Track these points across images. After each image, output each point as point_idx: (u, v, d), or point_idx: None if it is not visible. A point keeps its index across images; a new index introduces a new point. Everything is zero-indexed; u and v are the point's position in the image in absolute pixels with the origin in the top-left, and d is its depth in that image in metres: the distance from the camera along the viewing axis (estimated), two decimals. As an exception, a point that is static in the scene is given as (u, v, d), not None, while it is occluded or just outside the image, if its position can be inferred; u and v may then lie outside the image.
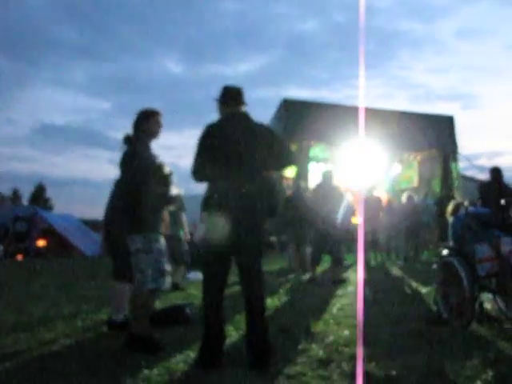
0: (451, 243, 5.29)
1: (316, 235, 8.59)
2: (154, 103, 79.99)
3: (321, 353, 3.85)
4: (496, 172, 8.69)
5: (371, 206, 11.34)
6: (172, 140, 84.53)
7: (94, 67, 77.26)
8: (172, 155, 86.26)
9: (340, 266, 8.59)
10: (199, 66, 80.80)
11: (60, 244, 18.35)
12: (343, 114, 16.39)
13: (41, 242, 18.68)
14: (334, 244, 8.34)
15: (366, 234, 11.42)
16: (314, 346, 4.08)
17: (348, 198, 9.02)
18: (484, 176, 10.45)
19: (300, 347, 4.05)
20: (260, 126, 3.84)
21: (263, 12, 72.96)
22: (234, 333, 4.53)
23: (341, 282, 8.13)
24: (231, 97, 3.90)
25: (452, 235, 5.23)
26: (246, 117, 3.87)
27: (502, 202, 6.14)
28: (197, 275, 8.28)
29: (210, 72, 75.36)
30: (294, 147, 15.96)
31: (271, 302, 6.16)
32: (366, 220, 10.80)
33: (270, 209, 3.74)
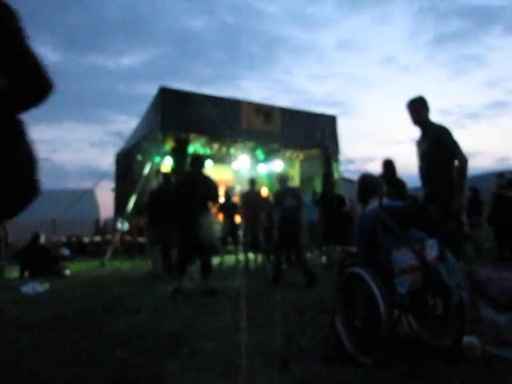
0: (357, 248, 3.78)
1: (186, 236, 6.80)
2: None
3: None
4: (390, 164, 7.51)
5: (252, 201, 9.80)
6: (47, 133, 78.39)
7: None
8: (47, 149, 79.89)
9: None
10: (79, 55, 75.75)
11: None
12: (225, 106, 14.98)
13: None
14: (203, 247, 6.66)
15: (245, 234, 9.91)
16: None
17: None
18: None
19: None
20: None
21: (151, 4, 69.93)
22: None
23: (213, 293, 6.46)
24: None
25: (359, 237, 3.71)
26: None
27: (420, 194, 4.80)
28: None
29: (91, 63, 70.93)
30: (170, 141, 14.22)
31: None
32: (248, 218, 9.24)
33: None
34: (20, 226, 12.72)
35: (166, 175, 9.35)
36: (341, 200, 10.35)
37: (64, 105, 77.70)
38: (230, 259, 11.01)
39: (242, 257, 10.45)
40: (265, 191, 14.38)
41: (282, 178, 7.95)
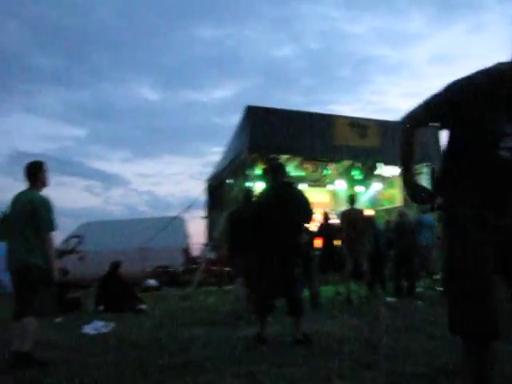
0: None
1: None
2: (130, 130, 77.53)
3: None
4: None
5: (353, 221, 7.90)
6: (150, 167, 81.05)
7: (68, 94, 74.07)
8: (149, 183, 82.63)
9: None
10: (174, 92, 78.28)
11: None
12: (316, 122, 13.30)
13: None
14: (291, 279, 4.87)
15: (346, 260, 8.01)
16: None
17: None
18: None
19: None
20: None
21: (238, 38, 71.22)
22: None
23: (306, 341, 4.63)
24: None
25: None
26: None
27: None
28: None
29: (186, 99, 72.85)
30: (259, 163, 12.69)
31: None
32: (348, 240, 7.37)
33: None
34: (108, 255, 11.76)
35: (246, 193, 7.67)
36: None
37: (164, 140, 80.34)
38: (326, 291, 9.01)
39: (342, 288, 8.51)
40: (369, 211, 12.31)
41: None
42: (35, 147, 69.43)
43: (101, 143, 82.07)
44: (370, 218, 8.68)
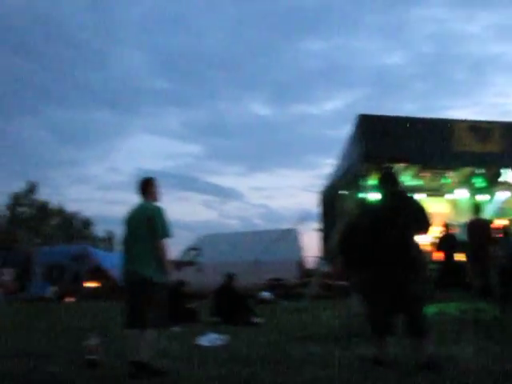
0: None
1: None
2: (243, 146, 79.50)
3: None
4: None
5: (479, 233, 7.17)
6: (264, 181, 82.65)
7: (185, 114, 78.49)
8: (262, 196, 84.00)
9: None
10: (285, 106, 79.28)
11: (111, 285, 15.47)
12: (433, 128, 12.46)
13: (91, 283, 16.05)
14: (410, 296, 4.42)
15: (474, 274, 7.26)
16: None
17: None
18: None
19: None
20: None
21: (346, 49, 70.40)
22: None
23: (432, 366, 4.16)
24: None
25: None
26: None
27: None
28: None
29: (297, 112, 73.44)
30: (373, 173, 12.13)
31: None
32: (475, 253, 6.69)
33: None
34: (223, 267, 11.95)
35: (360, 204, 7.27)
36: None
37: (277, 154, 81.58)
38: (449, 309, 8.23)
39: (468, 306, 7.74)
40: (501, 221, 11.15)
41: None
42: (156, 165, 74.16)
43: (216, 159, 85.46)
44: (502, 228, 7.79)
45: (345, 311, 8.18)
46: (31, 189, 48.99)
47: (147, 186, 4.64)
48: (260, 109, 79.53)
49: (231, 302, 8.78)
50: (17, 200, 47.94)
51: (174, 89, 75.28)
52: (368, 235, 4.74)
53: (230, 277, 9.59)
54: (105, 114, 74.83)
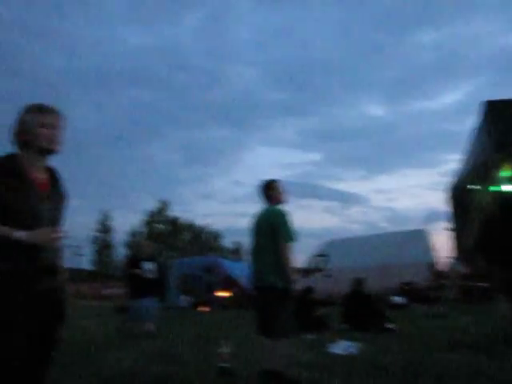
0: None
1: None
2: (362, 149, 77.39)
3: None
4: None
5: None
6: (385, 183, 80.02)
7: (300, 123, 79.06)
8: (386, 198, 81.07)
9: None
10: (401, 104, 76.04)
11: (241, 294, 15.73)
12: None
13: (222, 293, 16.46)
14: None
15: None
16: None
17: None
18: None
19: None
20: None
21: (461, 35, 65.53)
22: None
23: None
24: None
25: None
26: None
27: None
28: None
29: (413, 109, 70.05)
30: (506, 164, 11.04)
31: None
32: None
33: None
34: (351, 272, 11.61)
35: (496, 195, 6.56)
36: None
37: (397, 154, 78.59)
38: None
39: None
40: None
41: None
42: (277, 175, 75.25)
43: (336, 165, 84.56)
44: None
45: (488, 316, 7.45)
46: (164, 206, 52.60)
47: (269, 190, 4.50)
48: (376, 109, 77.33)
49: (362, 307, 8.43)
50: (152, 217, 51.74)
51: (289, 99, 76.20)
52: (509, 230, 4.22)
53: (359, 282, 9.24)
54: (225, 130, 78.00)
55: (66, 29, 72.78)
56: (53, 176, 2.30)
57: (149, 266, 8.13)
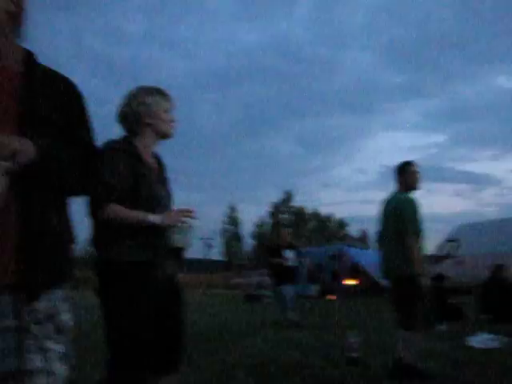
0: None
1: None
2: (493, 126, 70.99)
3: None
4: None
5: None
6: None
7: (423, 104, 74.30)
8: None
9: None
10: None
11: (368, 282, 15.32)
12: None
13: (349, 281, 16.16)
14: None
15: None
16: None
17: None
18: None
19: None
20: None
21: None
22: None
23: None
24: None
25: None
26: None
27: None
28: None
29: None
30: None
31: None
32: None
33: None
34: (484, 258, 10.78)
35: None
36: None
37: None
38: None
39: None
40: None
41: None
42: (401, 160, 71.98)
43: (464, 145, 78.88)
44: None
45: None
46: (288, 197, 53.26)
47: (401, 174, 4.19)
48: (505, 82, 70.66)
49: (503, 296, 7.73)
50: (277, 208, 52.69)
51: (410, 81, 72.56)
52: None
53: (499, 268, 8.50)
54: (345, 117, 76.53)
55: (185, 35, 76.56)
56: (159, 161, 2.25)
57: (289, 254, 8.20)
